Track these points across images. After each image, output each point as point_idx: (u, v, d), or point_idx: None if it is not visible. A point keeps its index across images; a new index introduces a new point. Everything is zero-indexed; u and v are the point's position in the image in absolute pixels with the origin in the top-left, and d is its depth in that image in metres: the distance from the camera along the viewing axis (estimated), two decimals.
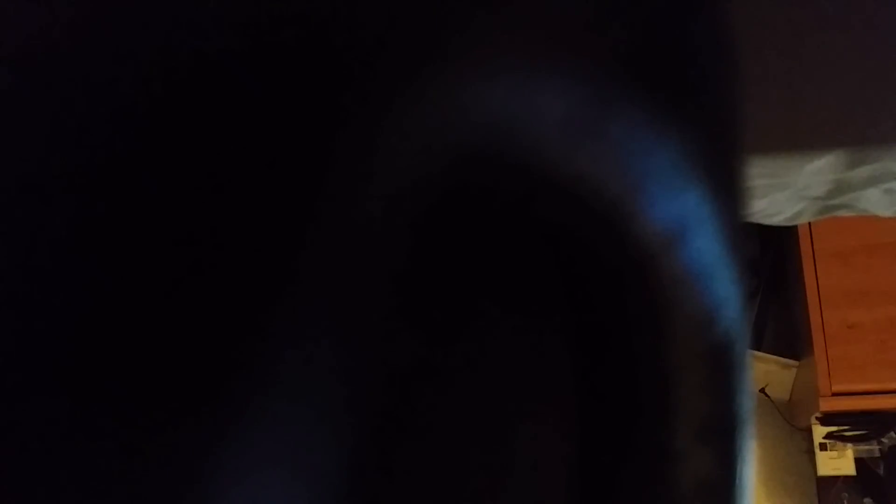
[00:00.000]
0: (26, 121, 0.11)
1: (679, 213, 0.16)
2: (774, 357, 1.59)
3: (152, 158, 0.11)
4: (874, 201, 0.71)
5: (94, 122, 0.11)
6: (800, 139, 0.52)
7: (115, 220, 0.10)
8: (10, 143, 0.10)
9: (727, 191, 0.17)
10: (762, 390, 1.61)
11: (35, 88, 0.11)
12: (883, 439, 1.47)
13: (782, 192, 0.69)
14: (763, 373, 1.60)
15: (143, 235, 0.10)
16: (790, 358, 1.59)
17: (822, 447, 1.51)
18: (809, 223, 1.39)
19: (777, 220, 0.77)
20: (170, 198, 0.11)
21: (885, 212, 0.72)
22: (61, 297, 0.10)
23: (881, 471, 1.49)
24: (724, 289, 0.17)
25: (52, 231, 0.10)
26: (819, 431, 1.50)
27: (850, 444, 1.49)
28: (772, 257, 1.62)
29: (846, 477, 1.51)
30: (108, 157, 0.11)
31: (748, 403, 0.19)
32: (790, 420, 1.62)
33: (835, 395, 1.41)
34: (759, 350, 1.58)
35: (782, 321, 1.63)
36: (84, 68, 0.11)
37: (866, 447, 1.50)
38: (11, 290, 0.10)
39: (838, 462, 1.50)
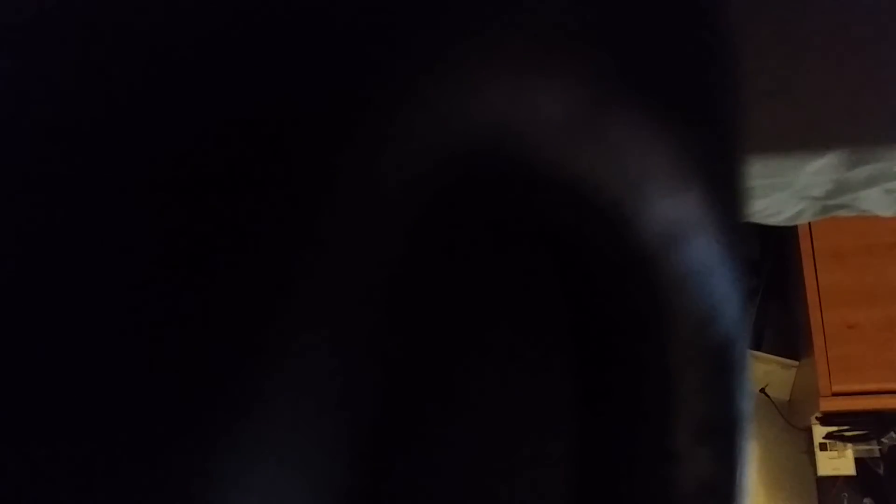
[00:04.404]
0: (27, 105, 0.11)
1: (679, 213, 0.16)
2: (774, 357, 1.59)
3: (155, 150, 0.11)
4: (874, 201, 0.71)
5: (101, 104, 0.11)
6: (800, 139, 0.52)
7: (119, 215, 0.10)
8: (6, 130, 0.10)
9: (727, 191, 0.17)
10: (762, 390, 1.60)
11: (33, 74, 0.11)
12: (883, 439, 1.47)
13: (782, 192, 0.69)
14: (763, 373, 1.60)
15: (148, 232, 0.10)
16: (790, 358, 1.59)
17: (822, 447, 1.51)
18: (809, 223, 1.39)
19: (777, 220, 0.77)
20: (172, 192, 0.11)
21: (885, 212, 0.72)
22: (66, 294, 0.10)
23: (881, 471, 1.49)
24: (724, 289, 0.17)
25: (55, 227, 0.10)
26: (819, 431, 1.50)
27: (849, 444, 1.49)
28: (772, 257, 1.62)
29: (846, 477, 1.51)
30: (112, 145, 0.11)
31: (748, 403, 0.19)
32: (790, 420, 1.61)
33: (835, 395, 1.41)
34: (759, 350, 1.58)
35: (782, 321, 1.63)
36: (92, 51, 0.11)
37: (866, 447, 1.49)
38: (15, 288, 0.10)
39: (838, 462, 1.50)
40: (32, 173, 0.10)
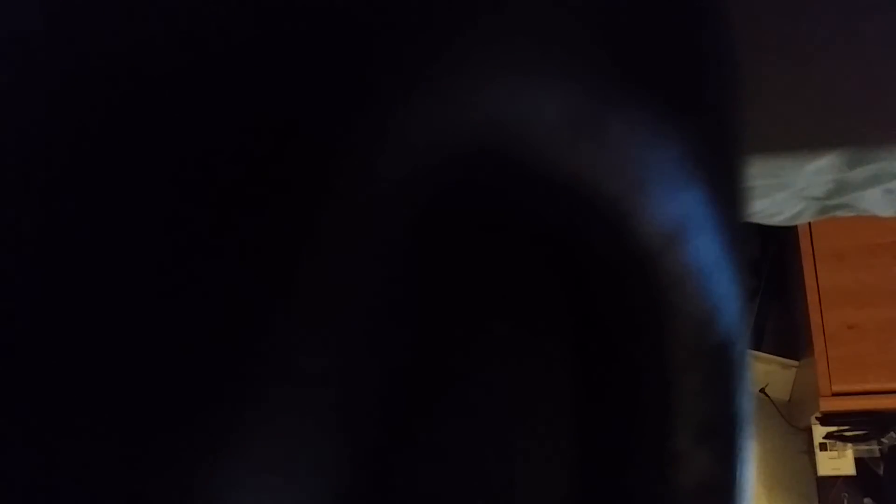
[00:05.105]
0: (20, 110, 0.11)
1: (679, 212, 0.16)
2: (774, 357, 1.59)
3: (146, 147, 0.11)
4: (874, 201, 0.71)
5: (107, 108, 0.11)
6: (800, 139, 0.52)
7: (115, 217, 0.10)
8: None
9: (727, 190, 0.17)
10: (762, 390, 1.61)
11: (40, 78, 0.11)
12: (883, 439, 1.47)
13: (782, 192, 0.69)
14: (763, 373, 1.60)
15: (145, 233, 0.10)
16: (790, 358, 1.59)
17: (822, 447, 1.51)
18: (809, 223, 1.39)
19: (777, 220, 0.77)
20: (168, 193, 0.11)
21: (885, 212, 0.72)
22: (67, 294, 0.10)
23: (881, 471, 1.49)
24: (724, 289, 0.17)
25: (63, 229, 0.10)
26: (819, 431, 1.50)
27: (849, 444, 1.49)
28: (772, 257, 1.62)
29: (846, 477, 1.51)
30: (117, 148, 0.11)
31: (748, 403, 0.19)
32: (790, 420, 1.62)
33: (835, 395, 1.41)
34: (759, 350, 1.58)
35: (782, 321, 1.63)
36: (99, 56, 0.11)
37: (866, 447, 1.50)
38: (11, 288, 0.10)
39: (838, 462, 1.50)
40: (38, 175, 0.10)
